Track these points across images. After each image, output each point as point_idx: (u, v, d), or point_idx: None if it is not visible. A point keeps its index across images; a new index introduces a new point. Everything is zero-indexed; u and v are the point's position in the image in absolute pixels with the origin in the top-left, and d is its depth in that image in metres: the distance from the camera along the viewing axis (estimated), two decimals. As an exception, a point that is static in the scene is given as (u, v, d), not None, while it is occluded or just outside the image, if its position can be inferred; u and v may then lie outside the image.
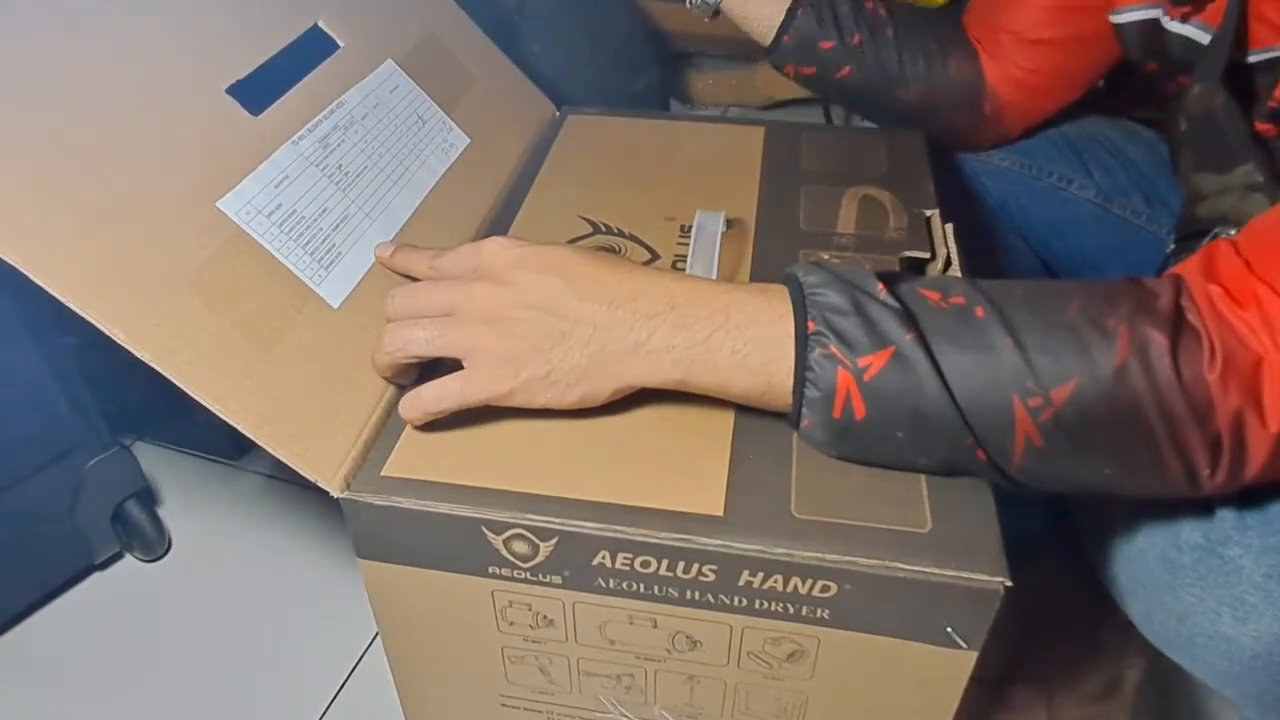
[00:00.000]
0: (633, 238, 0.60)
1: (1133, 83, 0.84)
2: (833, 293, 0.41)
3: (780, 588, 0.42)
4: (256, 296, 0.47)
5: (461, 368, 0.45)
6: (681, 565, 0.42)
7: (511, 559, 0.44)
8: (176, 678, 0.79)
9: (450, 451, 0.46)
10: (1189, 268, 0.42)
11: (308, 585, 0.86)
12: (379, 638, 0.52)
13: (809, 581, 0.41)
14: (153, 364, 0.41)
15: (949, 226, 0.56)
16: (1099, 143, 0.79)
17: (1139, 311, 0.39)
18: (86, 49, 0.47)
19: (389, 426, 0.47)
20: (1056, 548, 0.71)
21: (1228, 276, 0.40)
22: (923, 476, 0.44)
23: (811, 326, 0.41)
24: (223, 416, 0.42)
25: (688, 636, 0.45)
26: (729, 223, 0.58)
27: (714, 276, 0.52)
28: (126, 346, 0.41)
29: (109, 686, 0.78)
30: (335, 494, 0.44)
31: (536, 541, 0.43)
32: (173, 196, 0.46)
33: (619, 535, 0.42)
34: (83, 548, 0.84)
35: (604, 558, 0.42)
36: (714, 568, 0.42)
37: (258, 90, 0.53)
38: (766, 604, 0.42)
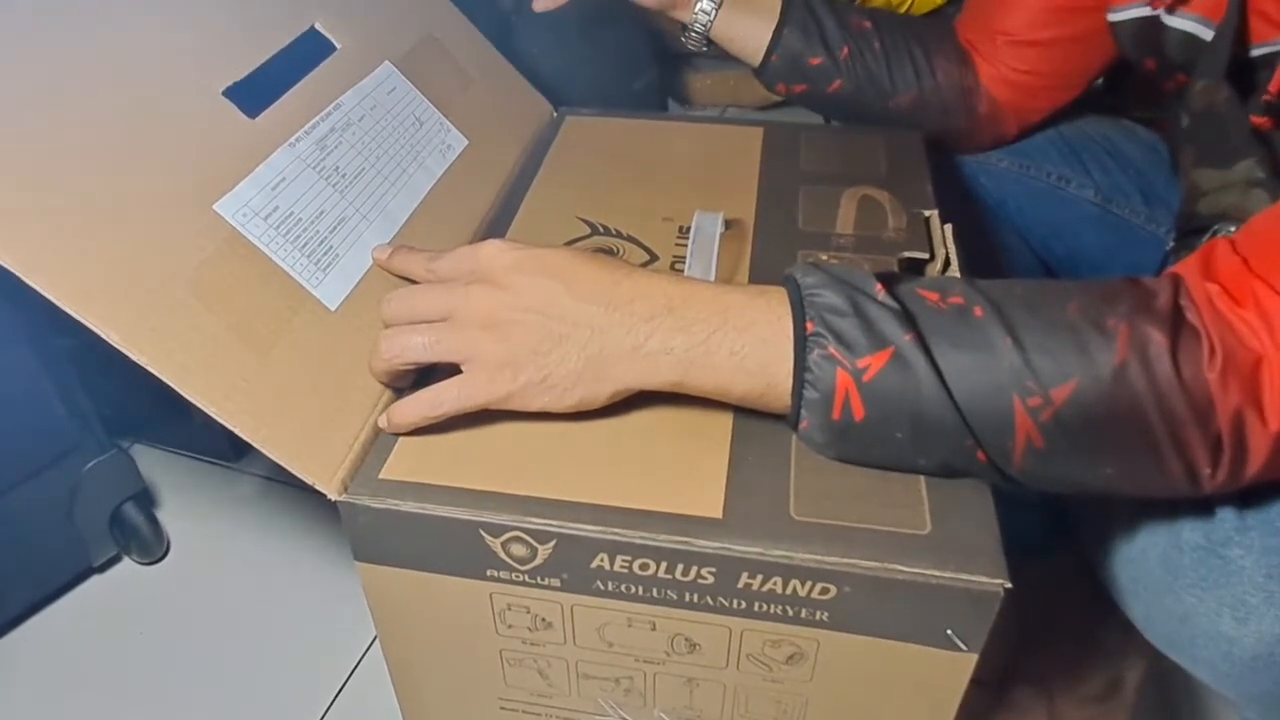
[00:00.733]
0: (631, 239, 0.60)
1: (1131, 82, 0.84)
2: (831, 294, 0.41)
3: (779, 590, 0.41)
4: (253, 299, 0.47)
5: (459, 371, 0.45)
6: (680, 568, 0.42)
7: (510, 562, 0.44)
8: (175, 680, 0.79)
9: (448, 454, 0.45)
10: (1188, 266, 0.42)
11: (306, 588, 0.86)
12: (377, 640, 0.52)
13: (808, 584, 0.41)
14: (148, 367, 0.41)
15: (948, 227, 0.56)
16: (1097, 142, 0.79)
17: (1138, 310, 0.39)
18: (83, 51, 0.47)
19: (386, 429, 0.47)
20: (1057, 549, 0.71)
21: (1226, 275, 0.40)
22: (922, 478, 0.44)
23: (810, 328, 0.41)
24: (219, 419, 0.42)
25: (687, 639, 0.45)
26: (727, 223, 0.58)
27: (712, 277, 0.52)
28: (122, 349, 0.41)
29: (107, 689, 0.78)
30: (333, 497, 0.44)
31: (535, 544, 0.43)
32: (169, 199, 0.46)
33: (617, 538, 0.41)
34: (81, 550, 0.84)
35: (602, 560, 0.42)
36: (713, 570, 0.41)
37: (255, 92, 0.53)
38: (766, 606, 0.42)
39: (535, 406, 0.45)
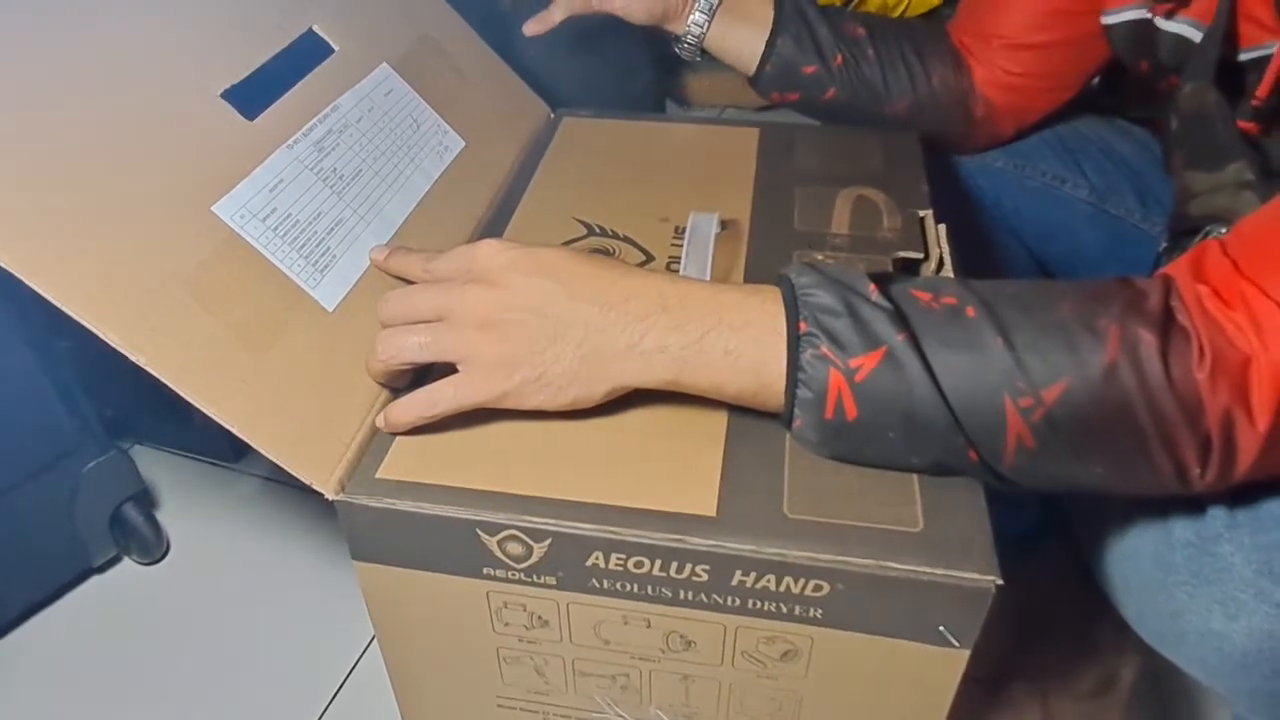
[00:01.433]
0: (627, 239, 0.60)
1: (1127, 83, 0.84)
2: (824, 293, 0.42)
3: (773, 587, 0.42)
4: (251, 300, 0.47)
5: (455, 371, 0.45)
6: (675, 565, 0.42)
7: (506, 560, 0.44)
8: (175, 680, 0.79)
9: (444, 453, 0.46)
10: (1178, 268, 0.43)
11: (305, 587, 0.86)
12: (376, 639, 0.52)
13: (801, 581, 0.41)
14: (147, 367, 0.41)
15: (942, 227, 0.56)
16: (1092, 142, 0.79)
17: (1129, 311, 0.40)
18: (82, 53, 0.47)
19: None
20: (1051, 547, 0.71)
21: (1216, 277, 0.41)
22: (915, 476, 0.44)
23: (803, 327, 0.41)
24: (217, 419, 0.43)
25: (682, 636, 0.45)
26: (723, 224, 0.58)
27: (708, 277, 0.52)
28: (121, 350, 0.41)
29: (107, 689, 0.78)
30: (330, 496, 0.44)
31: (530, 543, 0.43)
32: (168, 200, 0.46)
33: (612, 536, 0.42)
34: (81, 551, 0.84)
35: (598, 558, 0.43)
36: (707, 568, 0.42)
37: (253, 95, 0.53)
38: (760, 604, 0.43)
39: (531, 405, 0.45)
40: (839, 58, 0.71)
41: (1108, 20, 0.67)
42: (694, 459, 0.45)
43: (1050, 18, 0.70)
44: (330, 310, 0.50)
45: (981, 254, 0.79)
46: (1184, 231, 0.62)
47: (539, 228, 0.62)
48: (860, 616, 0.42)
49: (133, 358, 0.41)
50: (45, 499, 0.79)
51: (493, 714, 0.53)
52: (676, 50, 0.75)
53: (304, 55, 0.58)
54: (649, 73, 1.26)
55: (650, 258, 0.58)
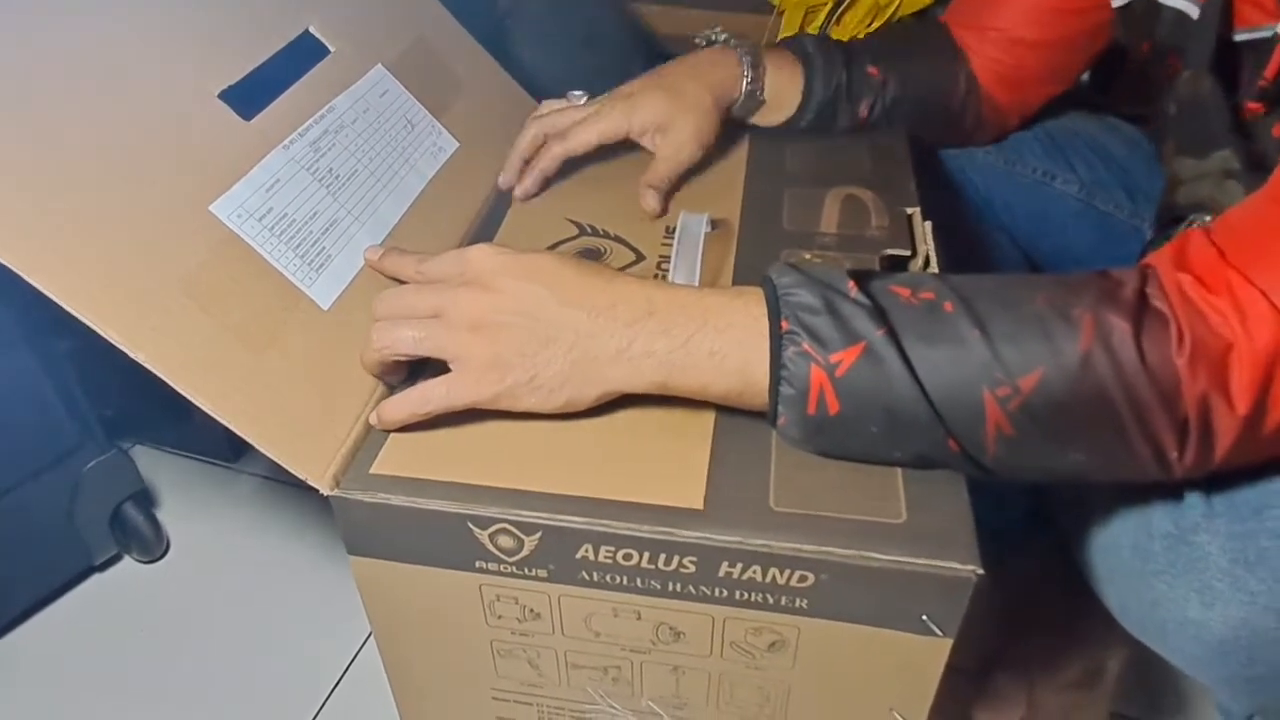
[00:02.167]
0: (618, 239, 0.61)
1: (1118, 79, 0.85)
2: (805, 292, 0.42)
3: (759, 578, 0.42)
4: (248, 299, 0.48)
5: (448, 370, 0.46)
6: (663, 557, 0.43)
7: (497, 553, 0.45)
8: (175, 678, 0.80)
9: (437, 449, 0.47)
10: (1160, 257, 0.43)
11: (304, 585, 0.87)
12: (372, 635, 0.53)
13: (787, 572, 0.42)
14: (147, 365, 0.42)
15: (928, 224, 0.57)
16: (1082, 138, 0.79)
17: (1103, 300, 0.40)
18: (79, 54, 0.48)
19: (378, 425, 0.48)
20: (1037, 540, 0.72)
21: (1200, 265, 0.41)
22: (898, 470, 0.45)
23: (785, 326, 0.42)
24: (215, 416, 0.43)
25: (671, 628, 0.46)
26: (713, 223, 0.59)
27: (697, 276, 0.53)
28: (121, 348, 0.42)
29: (107, 688, 0.79)
30: (325, 492, 0.45)
31: (521, 536, 0.44)
32: (166, 200, 0.47)
33: (601, 528, 0.43)
34: (81, 550, 0.85)
35: (587, 551, 0.43)
36: (694, 559, 0.43)
37: (250, 95, 0.54)
38: (746, 595, 0.43)
39: (522, 407, 0.46)
40: (864, 113, 0.71)
41: (1118, 2, 0.67)
42: (682, 455, 0.46)
43: (1047, 14, 0.70)
44: (325, 309, 0.51)
45: (972, 250, 0.79)
46: (1170, 220, 0.62)
47: (531, 227, 0.63)
48: (845, 606, 0.43)
49: (132, 355, 0.42)
50: (46, 498, 0.79)
51: (488, 707, 0.54)
52: (737, 109, 0.71)
53: (300, 56, 0.59)
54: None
55: (641, 257, 0.59)
